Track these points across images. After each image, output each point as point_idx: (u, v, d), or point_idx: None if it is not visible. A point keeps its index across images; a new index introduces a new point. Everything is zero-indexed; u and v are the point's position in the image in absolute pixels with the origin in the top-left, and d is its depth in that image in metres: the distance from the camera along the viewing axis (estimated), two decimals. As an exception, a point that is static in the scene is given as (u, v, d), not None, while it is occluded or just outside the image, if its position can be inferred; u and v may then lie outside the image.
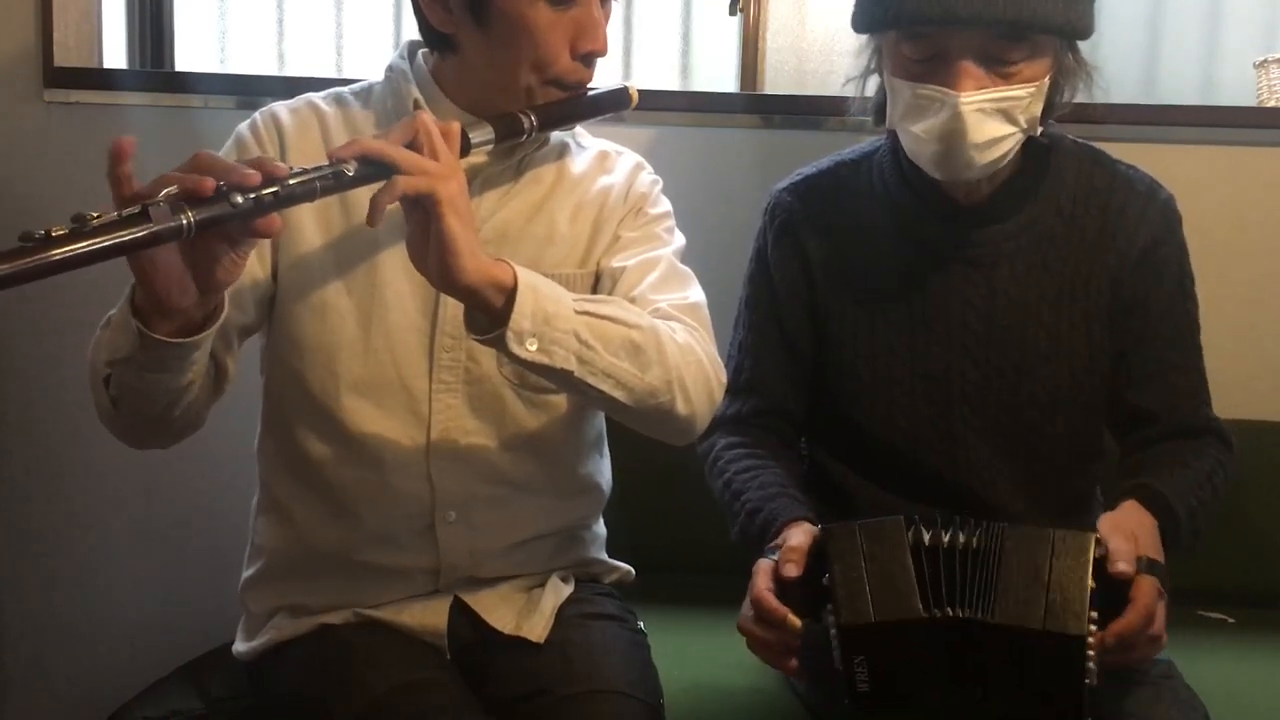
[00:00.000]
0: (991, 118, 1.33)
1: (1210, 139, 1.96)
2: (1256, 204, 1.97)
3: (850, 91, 1.49)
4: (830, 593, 1.22)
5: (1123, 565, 1.21)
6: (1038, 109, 1.37)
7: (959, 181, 1.42)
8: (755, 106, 2.03)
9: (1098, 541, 1.22)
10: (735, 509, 1.44)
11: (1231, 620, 1.36)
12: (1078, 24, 1.35)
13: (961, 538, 1.25)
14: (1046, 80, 1.37)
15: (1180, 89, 2.23)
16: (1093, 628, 1.18)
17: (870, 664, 1.21)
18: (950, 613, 1.22)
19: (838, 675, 1.24)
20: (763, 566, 1.30)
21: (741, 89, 2.18)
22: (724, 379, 1.32)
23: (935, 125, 1.34)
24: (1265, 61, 2.02)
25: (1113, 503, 1.37)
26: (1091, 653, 1.18)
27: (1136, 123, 1.89)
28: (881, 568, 1.22)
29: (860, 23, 1.41)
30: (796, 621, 1.24)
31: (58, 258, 0.91)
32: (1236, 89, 2.17)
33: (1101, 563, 1.21)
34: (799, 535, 1.30)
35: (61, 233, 0.92)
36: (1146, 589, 1.21)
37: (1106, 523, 1.29)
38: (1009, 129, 1.35)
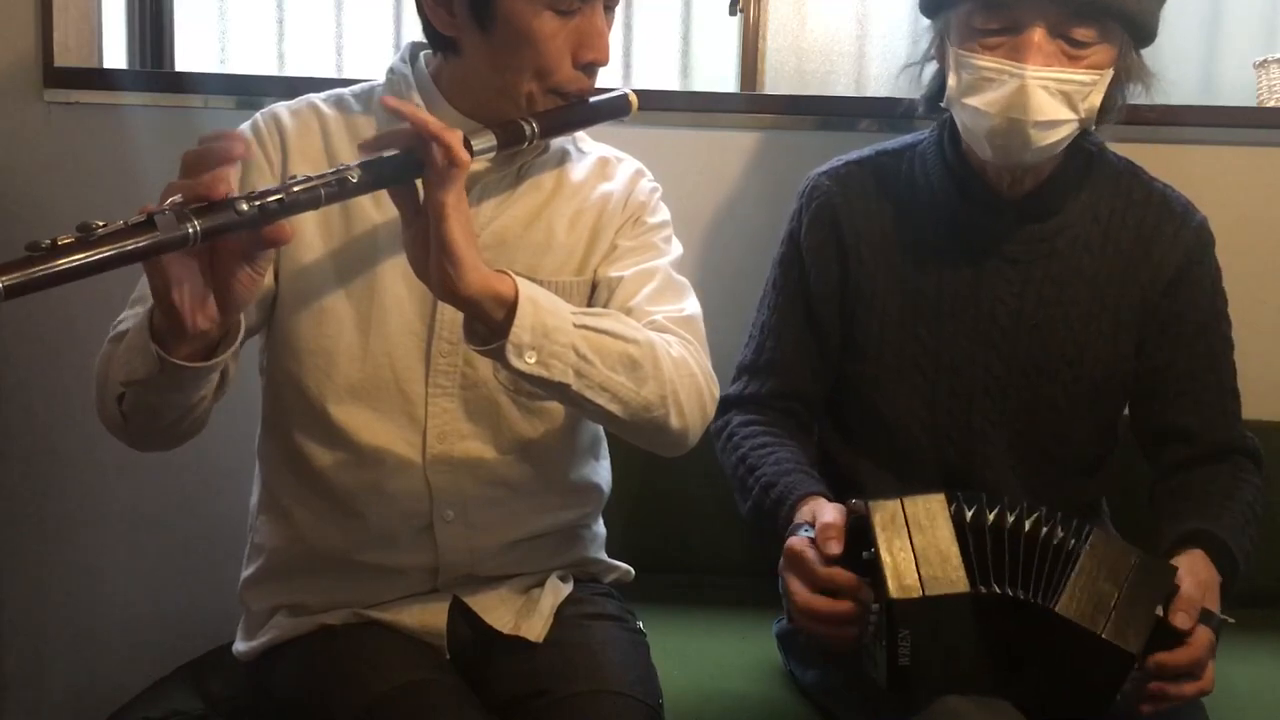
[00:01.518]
0: (1054, 98, 1.35)
1: (1210, 139, 1.96)
2: (1257, 204, 1.97)
3: (905, 80, 1.50)
4: (875, 567, 1.21)
5: (1181, 619, 1.22)
6: (1097, 100, 1.39)
7: (1009, 166, 1.43)
8: (755, 106, 2.03)
9: (1174, 579, 1.24)
10: (749, 484, 1.45)
11: (1231, 620, 1.36)
12: (1147, 21, 1.38)
13: (1011, 518, 1.25)
14: (1110, 72, 1.38)
15: (1180, 89, 2.22)
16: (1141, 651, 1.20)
17: (914, 638, 1.21)
18: (997, 590, 1.22)
19: (870, 649, 1.24)
20: (802, 544, 1.28)
21: (741, 89, 2.17)
22: (717, 393, 1.33)
23: (999, 98, 1.36)
24: (1265, 61, 2.02)
25: (1173, 539, 1.38)
26: (1131, 674, 1.20)
27: (1136, 123, 1.89)
28: (926, 542, 1.22)
29: (930, 1, 1.43)
30: (870, 591, 1.23)
31: (64, 267, 0.91)
32: (1236, 89, 2.17)
33: (1168, 600, 1.23)
34: (831, 512, 1.30)
35: (68, 241, 0.92)
36: (1202, 639, 1.23)
37: (1183, 565, 1.30)
38: (1068, 114, 1.37)
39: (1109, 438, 1.55)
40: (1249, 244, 1.95)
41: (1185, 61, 2.23)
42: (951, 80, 1.41)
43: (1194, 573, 1.29)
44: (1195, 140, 1.95)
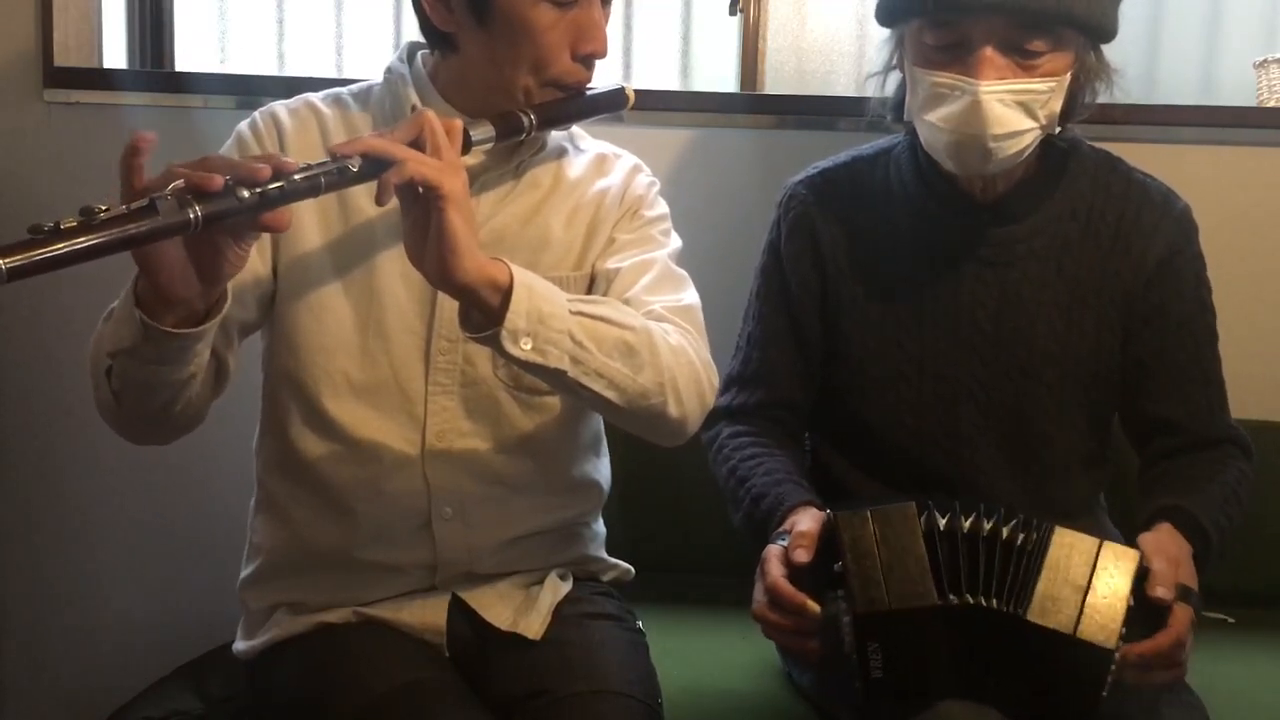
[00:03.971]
0: (1011, 109, 1.33)
1: (1210, 139, 1.96)
2: (1256, 204, 1.97)
3: (871, 88, 1.50)
4: (843, 580, 1.21)
5: (1162, 591, 1.21)
6: (1057, 106, 1.37)
7: (975, 175, 1.42)
8: (755, 106, 2.03)
9: (1141, 561, 1.23)
10: (740, 495, 1.45)
11: (1231, 620, 1.36)
12: (1101, 22, 1.35)
13: (987, 525, 1.24)
14: (1067, 77, 1.37)
15: (1180, 89, 2.22)
16: (1120, 644, 1.18)
17: (884, 651, 1.21)
18: (969, 600, 1.21)
19: (848, 661, 1.23)
20: (773, 553, 1.29)
21: (741, 89, 2.17)
22: (716, 382, 1.32)
23: (954, 114, 1.34)
24: (1265, 61, 2.02)
25: (1143, 520, 1.37)
26: (1114, 667, 1.18)
27: (1136, 123, 1.89)
28: (894, 554, 1.21)
29: (884, 13, 1.41)
30: (815, 607, 1.24)
31: (66, 250, 0.92)
32: (1236, 89, 2.16)
33: (1140, 583, 1.21)
34: (808, 520, 1.30)
35: (71, 225, 0.93)
36: (1181, 618, 1.22)
37: (1149, 544, 1.29)
38: (1028, 123, 1.35)
39: (1102, 434, 1.53)
40: (1248, 244, 1.95)
41: (1185, 61, 2.23)
42: (909, 95, 1.41)
43: (1161, 549, 1.27)
44: (1194, 140, 1.95)
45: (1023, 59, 1.33)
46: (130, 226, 0.95)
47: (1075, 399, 1.48)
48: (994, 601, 1.21)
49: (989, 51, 1.32)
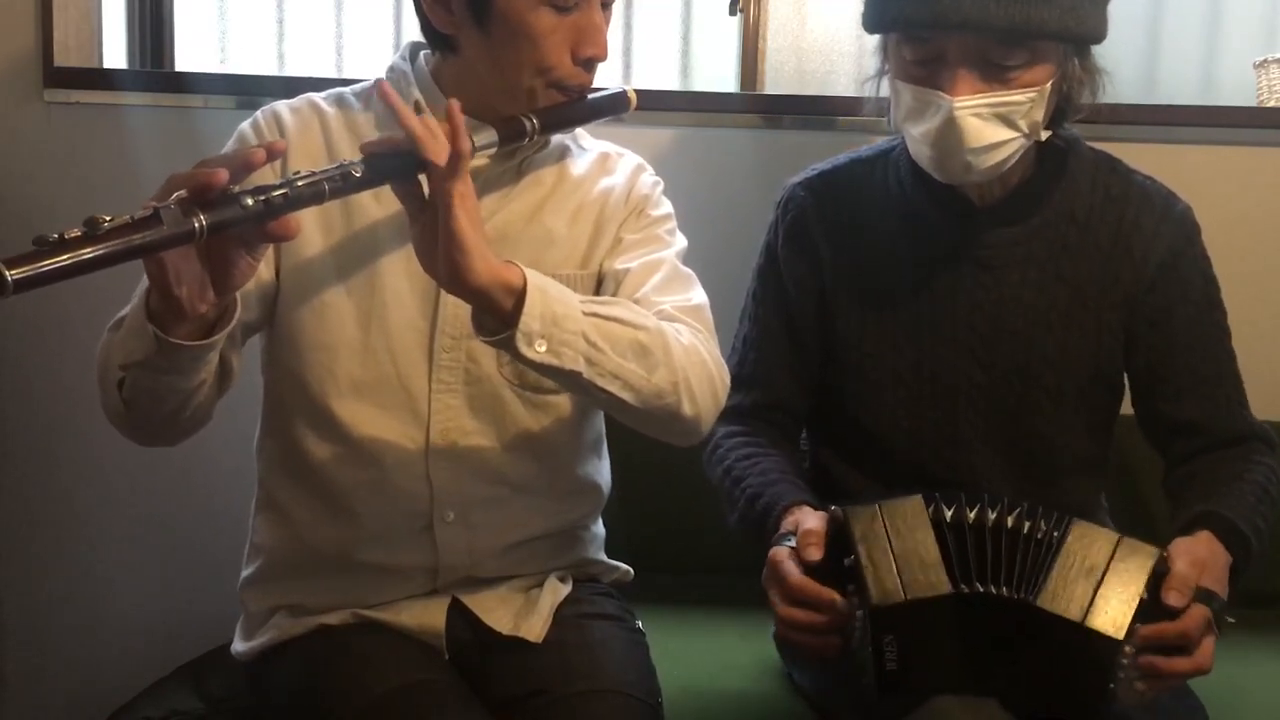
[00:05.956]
0: (989, 122, 1.33)
1: (1210, 139, 1.96)
2: (1256, 204, 1.97)
3: (868, 91, 1.49)
4: (856, 574, 1.21)
5: (1174, 597, 1.20)
6: (1039, 114, 1.36)
7: (963, 184, 1.42)
8: (755, 106, 2.03)
9: (1163, 559, 1.23)
10: (735, 495, 1.44)
11: (1231, 620, 1.36)
12: (1080, 30, 1.34)
13: (993, 515, 1.25)
14: (1049, 86, 1.36)
15: (1180, 89, 2.23)
16: (1129, 637, 1.18)
17: (899, 643, 1.21)
18: (980, 589, 1.21)
19: (852, 658, 1.24)
20: (784, 554, 1.28)
21: (741, 89, 2.18)
22: (728, 380, 1.32)
23: (931, 129, 1.34)
24: (1265, 61, 2.02)
25: (1178, 528, 1.36)
26: (1125, 660, 1.18)
27: (1136, 123, 1.89)
28: (906, 545, 1.21)
29: (867, 23, 1.41)
30: (842, 599, 1.23)
31: (72, 261, 0.92)
32: (1236, 89, 2.17)
33: (1159, 581, 1.21)
34: (813, 519, 1.29)
35: (75, 235, 0.93)
36: (1194, 614, 1.21)
37: (1180, 546, 1.28)
38: (1008, 134, 1.35)
39: (1102, 436, 1.53)
40: (1249, 244, 1.95)
41: (1185, 61, 2.23)
42: (892, 105, 1.41)
43: (1190, 552, 1.27)
44: (1194, 140, 1.95)
45: (999, 73, 1.32)
46: (135, 236, 0.95)
47: (1074, 402, 1.48)
48: (1005, 589, 1.22)
49: (962, 68, 1.32)
